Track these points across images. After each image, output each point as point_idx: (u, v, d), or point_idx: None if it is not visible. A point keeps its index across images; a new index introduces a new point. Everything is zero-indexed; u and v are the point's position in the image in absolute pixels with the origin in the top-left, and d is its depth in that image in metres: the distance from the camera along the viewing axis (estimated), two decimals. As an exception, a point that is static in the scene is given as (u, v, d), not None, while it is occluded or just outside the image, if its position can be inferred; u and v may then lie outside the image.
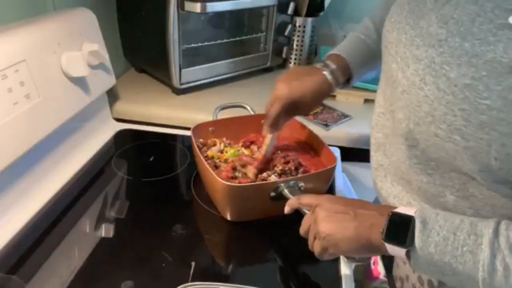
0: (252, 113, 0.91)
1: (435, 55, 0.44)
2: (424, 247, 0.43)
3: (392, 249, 0.46)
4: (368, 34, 0.74)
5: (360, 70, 0.73)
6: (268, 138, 0.77)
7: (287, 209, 0.63)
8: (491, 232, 0.40)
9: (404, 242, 0.44)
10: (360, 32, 0.75)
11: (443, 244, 0.42)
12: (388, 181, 0.58)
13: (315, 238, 0.54)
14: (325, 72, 0.70)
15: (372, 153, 0.63)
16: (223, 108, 0.91)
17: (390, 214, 0.46)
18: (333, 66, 0.70)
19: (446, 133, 0.43)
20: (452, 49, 0.42)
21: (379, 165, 0.60)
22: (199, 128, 0.84)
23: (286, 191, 0.67)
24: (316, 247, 0.54)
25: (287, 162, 0.78)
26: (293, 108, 0.70)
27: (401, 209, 0.47)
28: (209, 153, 0.83)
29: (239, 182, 0.72)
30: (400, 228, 0.45)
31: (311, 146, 0.86)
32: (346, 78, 0.72)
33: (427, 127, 0.45)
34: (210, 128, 0.87)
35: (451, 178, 0.48)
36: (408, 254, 0.45)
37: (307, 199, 0.60)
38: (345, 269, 0.63)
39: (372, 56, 0.73)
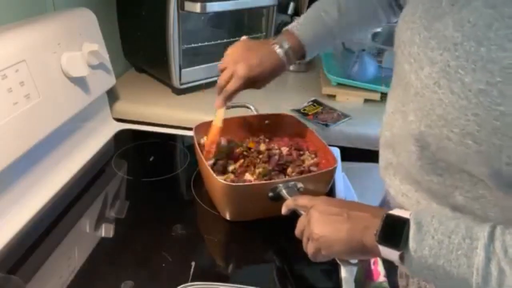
0: (255, 113, 0.91)
1: (450, 59, 0.43)
2: (418, 250, 0.43)
3: (386, 252, 0.45)
4: (329, 11, 0.74)
5: (314, 49, 0.76)
6: (221, 111, 0.78)
7: (284, 210, 0.63)
8: (487, 236, 0.40)
9: (398, 245, 0.44)
10: (323, 6, 0.75)
11: (437, 247, 0.42)
12: (397, 180, 0.58)
13: (308, 239, 0.54)
14: (279, 51, 0.73)
15: (381, 151, 0.63)
16: (227, 108, 0.91)
17: (385, 216, 0.46)
18: (286, 46, 0.73)
19: (458, 137, 0.43)
20: (468, 53, 0.41)
21: (388, 163, 0.60)
22: (201, 127, 0.84)
23: (284, 192, 0.67)
24: (309, 248, 0.54)
25: (301, 172, 0.78)
26: (249, 84, 0.74)
27: (396, 212, 0.46)
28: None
29: (232, 181, 0.73)
30: (394, 231, 0.44)
31: (311, 146, 0.85)
32: (300, 56, 0.76)
33: (439, 130, 0.45)
34: None
35: (462, 179, 0.48)
36: (401, 257, 0.44)
37: (302, 200, 0.59)
38: (345, 271, 0.63)
39: (328, 36, 0.75)
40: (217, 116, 0.79)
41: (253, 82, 0.74)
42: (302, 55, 0.76)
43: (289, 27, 0.76)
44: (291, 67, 1.33)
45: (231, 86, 0.73)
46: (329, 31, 0.75)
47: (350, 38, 0.77)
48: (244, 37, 0.81)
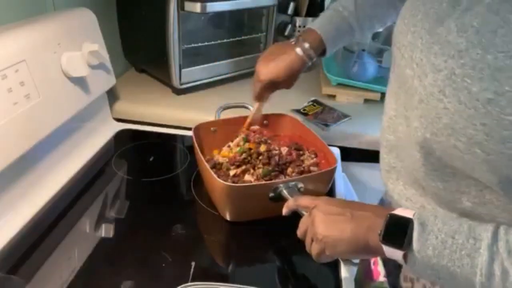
0: None
1: (455, 67, 0.42)
2: (422, 250, 0.43)
3: (389, 251, 0.45)
4: (346, 5, 0.76)
5: (334, 44, 0.78)
6: (255, 106, 0.86)
7: (285, 211, 0.62)
8: (490, 236, 0.40)
9: (402, 245, 0.44)
10: (340, 2, 0.77)
11: (441, 247, 0.42)
12: (401, 184, 0.58)
13: (312, 240, 0.54)
14: (297, 50, 0.76)
15: (383, 155, 0.62)
16: (226, 108, 0.91)
17: (388, 216, 0.46)
18: (305, 45, 0.76)
19: (466, 146, 0.42)
20: (474, 61, 0.40)
21: (391, 167, 0.59)
22: (201, 127, 0.83)
23: (285, 192, 0.67)
24: (313, 249, 0.54)
25: (300, 172, 0.77)
26: (273, 85, 0.79)
27: (399, 211, 0.46)
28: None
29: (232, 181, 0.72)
30: (398, 230, 0.44)
31: (311, 146, 0.85)
32: (320, 52, 0.78)
33: (445, 138, 0.44)
34: (212, 128, 0.87)
35: (468, 185, 0.47)
36: (405, 257, 0.45)
37: (304, 200, 0.59)
38: (346, 271, 0.63)
39: (348, 29, 0.77)
40: (251, 111, 0.87)
41: (276, 82, 0.78)
42: (323, 50, 0.78)
43: (310, 24, 0.79)
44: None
45: (254, 88, 0.80)
46: (347, 25, 0.76)
47: (371, 32, 0.78)
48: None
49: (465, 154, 0.43)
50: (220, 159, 0.81)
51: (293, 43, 0.77)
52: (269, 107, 0.93)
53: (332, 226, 0.51)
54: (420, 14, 0.48)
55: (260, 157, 0.80)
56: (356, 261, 0.56)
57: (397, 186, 0.59)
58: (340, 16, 0.76)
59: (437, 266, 0.42)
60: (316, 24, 0.77)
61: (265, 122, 0.90)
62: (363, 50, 1.16)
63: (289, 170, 0.78)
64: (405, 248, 0.44)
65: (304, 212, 0.59)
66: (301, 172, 0.77)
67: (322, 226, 0.51)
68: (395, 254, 0.45)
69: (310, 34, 0.77)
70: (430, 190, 0.52)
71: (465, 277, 0.40)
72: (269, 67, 0.77)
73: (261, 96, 0.82)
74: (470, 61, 0.40)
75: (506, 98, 0.38)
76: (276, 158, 0.80)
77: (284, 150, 0.84)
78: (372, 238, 0.47)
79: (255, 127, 0.88)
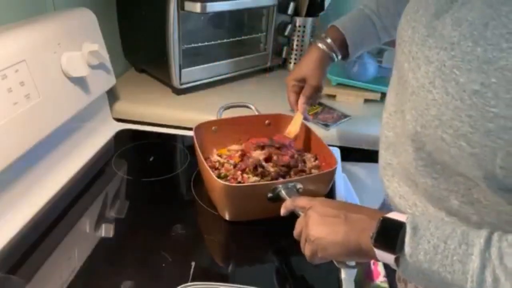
0: (256, 113, 0.91)
1: (446, 59, 0.42)
2: (414, 254, 0.42)
3: (381, 255, 0.45)
4: (368, 3, 0.79)
5: (354, 35, 0.79)
6: (293, 118, 0.86)
7: (283, 211, 0.62)
8: (483, 242, 0.39)
9: (394, 248, 0.43)
10: (362, 4, 0.80)
11: (433, 252, 0.41)
12: (395, 181, 0.58)
13: (306, 241, 0.54)
14: (319, 44, 0.79)
15: (381, 152, 0.62)
16: (228, 107, 0.91)
17: (381, 219, 0.45)
18: (327, 39, 0.79)
19: (452, 138, 0.42)
20: (464, 53, 0.40)
21: (387, 164, 0.59)
22: (201, 127, 0.84)
23: (283, 193, 0.67)
24: (306, 250, 0.54)
25: (301, 174, 0.77)
26: (302, 86, 0.81)
27: (393, 215, 0.46)
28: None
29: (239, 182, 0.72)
30: (390, 234, 0.44)
31: (312, 146, 0.85)
32: (344, 49, 0.80)
33: (433, 130, 0.44)
34: (213, 127, 0.87)
35: (456, 183, 0.47)
36: (397, 261, 0.44)
37: (301, 201, 0.59)
38: (345, 272, 0.63)
39: (367, 22, 0.78)
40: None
41: (304, 82, 0.80)
42: (345, 44, 0.79)
43: (333, 22, 0.81)
44: (291, 67, 1.34)
45: (287, 95, 0.83)
46: (368, 19, 0.78)
47: (392, 32, 0.80)
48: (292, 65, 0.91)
49: (451, 147, 0.43)
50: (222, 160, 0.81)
51: (318, 40, 0.80)
52: (270, 107, 0.94)
53: (325, 227, 0.50)
54: (421, 9, 0.49)
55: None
56: (352, 263, 0.55)
57: (392, 183, 0.59)
58: (361, 12, 0.78)
59: (428, 271, 0.41)
60: (337, 21, 0.80)
61: (267, 122, 0.90)
62: (363, 50, 1.16)
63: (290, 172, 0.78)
64: (397, 252, 0.43)
65: (301, 213, 0.59)
66: (302, 174, 0.77)
67: (315, 228, 0.51)
68: (386, 257, 0.45)
69: (330, 28, 0.79)
70: (421, 187, 0.52)
71: (456, 283, 0.40)
72: (294, 69, 0.82)
73: (294, 101, 0.83)
74: (460, 53, 0.41)
75: (491, 90, 0.38)
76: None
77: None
78: (365, 241, 0.46)
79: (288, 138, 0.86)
